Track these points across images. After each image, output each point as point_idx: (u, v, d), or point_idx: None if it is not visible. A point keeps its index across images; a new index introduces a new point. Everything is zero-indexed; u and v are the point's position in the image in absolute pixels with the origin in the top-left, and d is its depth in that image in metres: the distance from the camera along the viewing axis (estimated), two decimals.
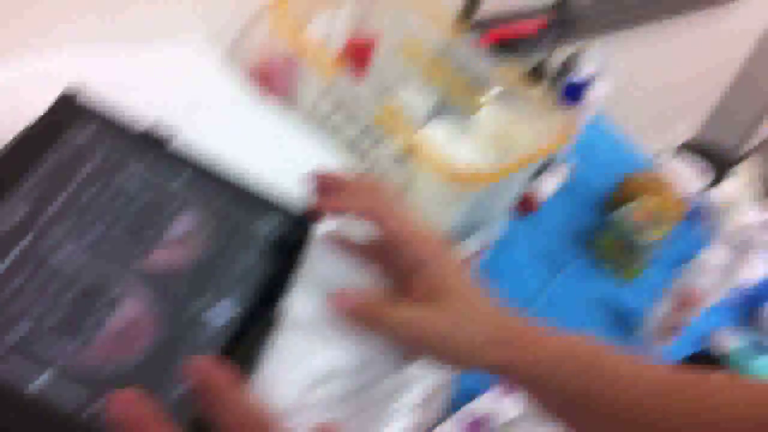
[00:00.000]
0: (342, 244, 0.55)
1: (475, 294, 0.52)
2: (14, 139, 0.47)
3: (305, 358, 0.49)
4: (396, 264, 0.52)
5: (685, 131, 2.15)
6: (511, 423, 0.82)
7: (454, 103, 0.87)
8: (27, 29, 0.60)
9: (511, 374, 0.51)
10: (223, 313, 0.47)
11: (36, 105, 0.50)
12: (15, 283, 0.41)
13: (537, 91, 0.86)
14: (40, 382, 0.39)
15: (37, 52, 0.57)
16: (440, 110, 0.86)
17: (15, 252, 0.42)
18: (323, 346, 0.50)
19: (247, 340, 0.47)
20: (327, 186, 0.53)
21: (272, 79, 0.73)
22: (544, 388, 0.51)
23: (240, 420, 0.34)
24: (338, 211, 0.53)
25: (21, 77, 0.55)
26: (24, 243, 0.43)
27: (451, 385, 0.75)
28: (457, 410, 0.82)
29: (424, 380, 0.64)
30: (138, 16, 0.67)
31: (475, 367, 0.51)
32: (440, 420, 0.78)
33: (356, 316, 0.49)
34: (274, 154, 0.64)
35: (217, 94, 0.66)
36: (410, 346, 0.52)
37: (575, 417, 0.51)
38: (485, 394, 0.85)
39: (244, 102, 0.67)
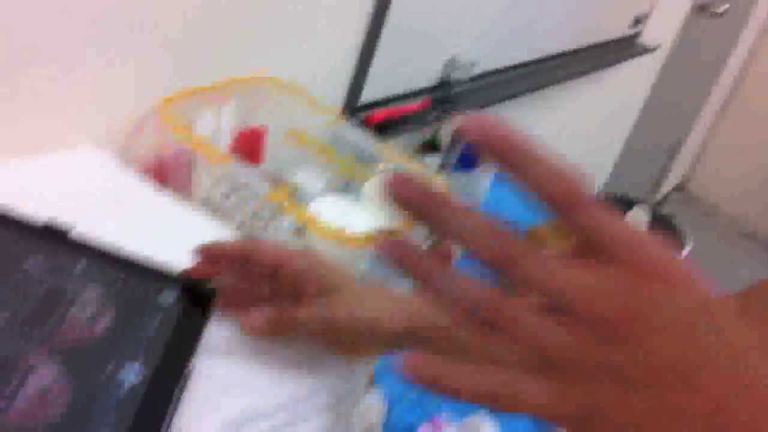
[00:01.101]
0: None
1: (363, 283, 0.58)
2: None
3: (219, 404, 0.54)
4: (282, 288, 0.58)
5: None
6: None
7: (345, 181, 0.95)
8: None
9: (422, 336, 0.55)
10: (132, 376, 0.52)
11: None
12: None
13: (420, 164, 0.95)
14: None
15: None
16: (332, 190, 0.94)
17: None
18: (236, 393, 0.55)
19: (159, 399, 0.52)
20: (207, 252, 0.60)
21: (166, 175, 0.80)
22: None
23: None
24: (215, 259, 0.59)
25: None
26: None
27: (383, 423, 0.80)
28: None
29: (358, 421, 0.68)
30: (25, 128, 0.73)
31: (385, 340, 0.56)
32: None
33: (269, 329, 0.56)
34: (171, 239, 0.69)
35: (112, 191, 0.72)
36: (325, 338, 0.57)
37: None
38: (420, 430, 0.89)
39: (140, 195, 0.73)
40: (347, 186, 0.96)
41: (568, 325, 0.30)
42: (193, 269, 0.60)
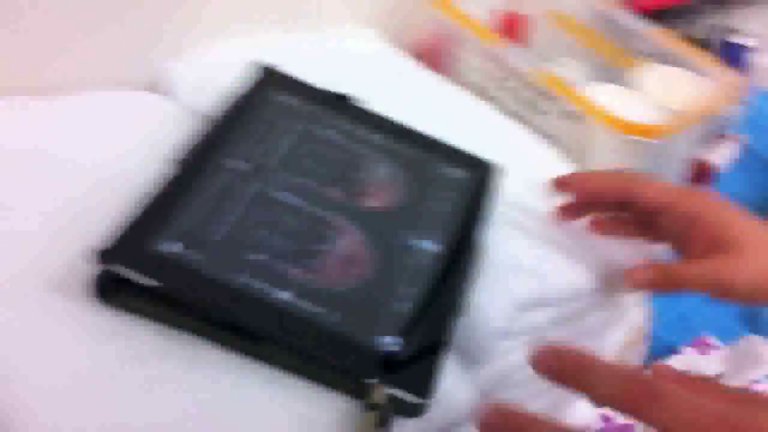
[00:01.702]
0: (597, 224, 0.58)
1: (758, 230, 0.51)
2: (226, 104, 0.53)
3: (511, 286, 0.50)
4: (664, 229, 0.53)
5: None
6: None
7: (613, 68, 0.87)
8: (214, 22, 0.67)
9: None
10: (428, 247, 0.50)
11: (231, 82, 0.55)
12: (246, 220, 0.46)
13: (697, 54, 0.85)
14: (279, 297, 0.43)
15: (225, 38, 0.65)
16: (599, 77, 0.86)
17: (242, 195, 0.47)
18: (529, 276, 0.51)
19: (453, 271, 0.49)
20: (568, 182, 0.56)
21: (434, 57, 0.77)
22: None
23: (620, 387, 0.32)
24: (590, 194, 0.55)
25: (214, 60, 0.62)
26: (247, 189, 0.48)
27: (650, 335, 0.74)
28: (653, 362, 0.80)
29: (626, 325, 0.63)
30: (298, 4, 0.73)
31: None
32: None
33: (655, 285, 0.52)
34: (440, 119, 0.66)
35: (386, 70, 0.70)
36: (715, 297, 0.52)
37: None
38: (684, 350, 0.82)
39: (413, 75, 0.70)
40: (614, 76, 0.87)
41: None
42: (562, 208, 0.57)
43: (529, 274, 0.52)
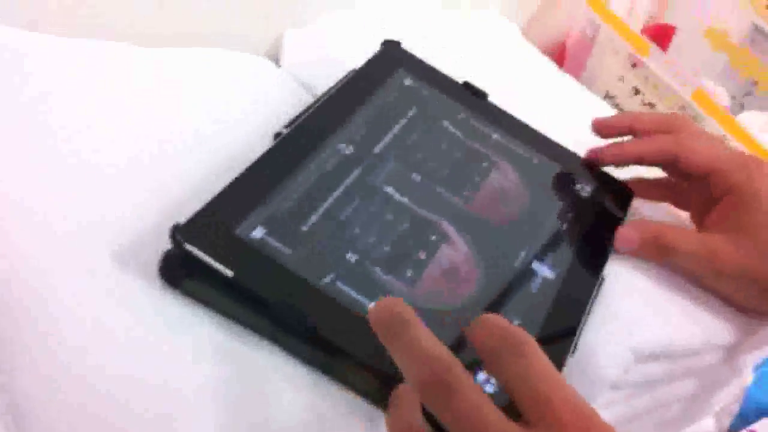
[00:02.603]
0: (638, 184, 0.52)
1: None
2: (343, 80, 0.48)
3: (633, 332, 0.44)
4: (698, 197, 0.48)
5: None
6: None
7: (765, 93, 0.79)
8: None
9: None
10: (545, 270, 0.44)
11: (353, 55, 0.50)
12: (344, 213, 0.41)
13: None
14: (367, 307, 0.37)
15: (348, 8, 0.60)
16: (748, 100, 0.78)
17: (344, 184, 0.42)
18: (654, 324, 0.45)
19: (571, 302, 0.43)
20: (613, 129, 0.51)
21: (567, 57, 0.70)
22: None
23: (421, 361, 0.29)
24: (629, 158, 0.50)
25: (333, 31, 0.57)
26: (352, 178, 0.43)
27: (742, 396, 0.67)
28: (742, 425, 0.72)
29: (733, 385, 0.57)
30: None
31: None
32: None
33: (646, 246, 0.46)
34: (575, 127, 0.60)
35: (515, 64, 0.64)
36: (708, 280, 0.46)
37: None
38: None
39: (543, 74, 0.64)
40: (764, 100, 0.79)
41: None
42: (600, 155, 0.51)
43: (654, 320, 0.45)
